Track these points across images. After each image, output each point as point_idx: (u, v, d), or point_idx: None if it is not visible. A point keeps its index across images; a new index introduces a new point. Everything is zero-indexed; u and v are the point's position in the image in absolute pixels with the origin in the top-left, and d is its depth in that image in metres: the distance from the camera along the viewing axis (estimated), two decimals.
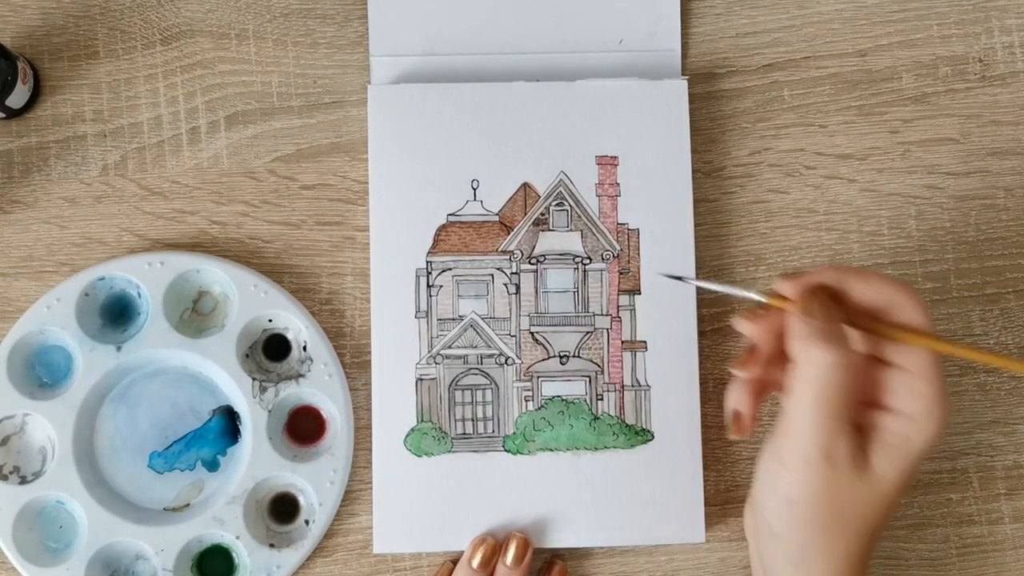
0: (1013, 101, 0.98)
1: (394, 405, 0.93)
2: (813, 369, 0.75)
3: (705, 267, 0.96)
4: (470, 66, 0.97)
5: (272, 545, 0.93)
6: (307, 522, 0.94)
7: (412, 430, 0.93)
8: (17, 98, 0.94)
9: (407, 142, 0.95)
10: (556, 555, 0.95)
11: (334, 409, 0.94)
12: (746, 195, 0.97)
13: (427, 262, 0.94)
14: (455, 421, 0.93)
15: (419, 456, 0.93)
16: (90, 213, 0.96)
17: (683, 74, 0.98)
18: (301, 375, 0.94)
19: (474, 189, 0.94)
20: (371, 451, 0.93)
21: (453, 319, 0.94)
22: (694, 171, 0.96)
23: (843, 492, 0.76)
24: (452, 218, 0.94)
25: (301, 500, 0.95)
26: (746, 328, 0.81)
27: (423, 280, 0.94)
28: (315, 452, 0.95)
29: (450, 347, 0.94)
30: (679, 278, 0.93)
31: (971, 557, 0.96)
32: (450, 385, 0.94)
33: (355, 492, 0.95)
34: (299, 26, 0.98)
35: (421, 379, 0.93)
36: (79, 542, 0.92)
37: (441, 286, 0.94)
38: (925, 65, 0.99)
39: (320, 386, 0.94)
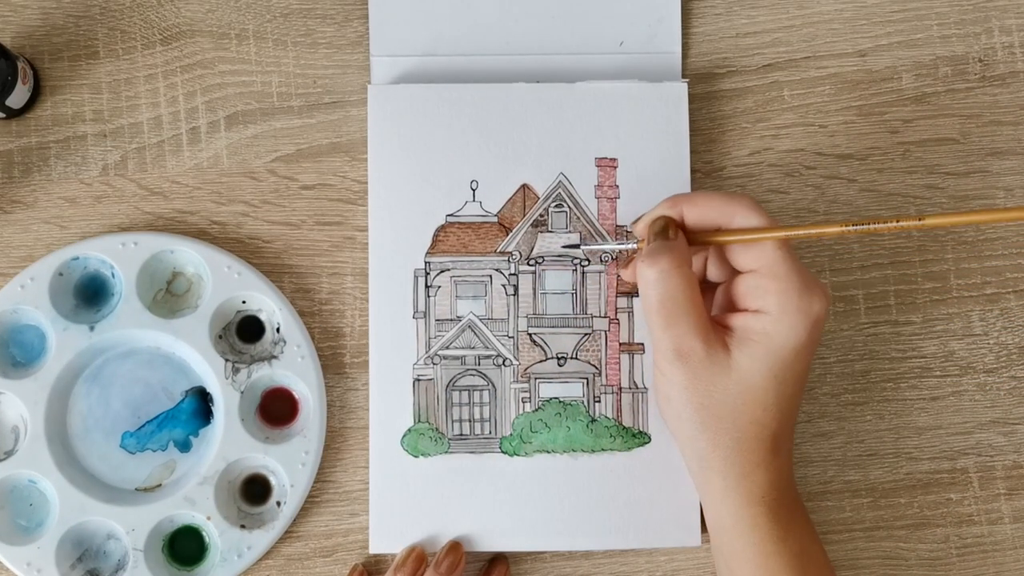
0: (1013, 101, 0.98)
1: (391, 405, 0.93)
2: (644, 284, 0.83)
3: None
4: (470, 67, 0.97)
5: (243, 526, 0.94)
6: (278, 503, 0.94)
7: (409, 430, 0.93)
8: (17, 98, 0.94)
9: (407, 142, 0.95)
10: (500, 555, 0.95)
11: (307, 391, 0.94)
12: None
13: (425, 262, 0.94)
14: (452, 422, 0.93)
15: (416, 457, 0.93)
16: (90, 213, 0.96)
17: (683, 74, 0.98)
18: (274, 356, 0.94)
19: (473, 190, 0.94)
20: (368, 451, 0.94)
21: (451, 320, 0.94)
22: (694, 171, 0.96)
23: (708, 386, 0.82)
24: (451, 219, 0.94)
25: (273, 481, 0.95)
26: (627, 275, 0.92)
27: (421, 280, 0.94)
28: (287, 434, 0.95)
29: (448, 348, 0.94)
30: (576, 246, 0.95)
31: (971, 557, 0.96)
32: (447, 386, 0.93)
33: (354, 492, 0.95)
34: (299, 26, 0.98)
35: (419, 380, 0.93)
36: (50, 521, 0.93)
37: (439, 287, 0.94)
38: (925, 65, 0.99)
39: (293, 368, 0.94)
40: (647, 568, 0.96)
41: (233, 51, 0.98)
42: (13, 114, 0.96)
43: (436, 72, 0.97)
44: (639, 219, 0.87)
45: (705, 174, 0.97)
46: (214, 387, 0.94)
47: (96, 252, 0.94)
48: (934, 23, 0.99)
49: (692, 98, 0.97)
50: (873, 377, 0.97)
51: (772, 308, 0.81)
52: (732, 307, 0.85)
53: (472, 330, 0.94)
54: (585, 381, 0.94)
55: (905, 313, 0.97)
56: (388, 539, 0.93)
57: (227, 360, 0.94)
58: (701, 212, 0.84)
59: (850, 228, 0.80)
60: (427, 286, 0.94)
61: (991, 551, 0.96)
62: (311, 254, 0.96)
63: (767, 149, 0.98)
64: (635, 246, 0.89)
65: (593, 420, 0.94)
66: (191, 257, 0.95)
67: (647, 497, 0.93)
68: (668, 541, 0.93)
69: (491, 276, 0.94)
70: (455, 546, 0.93)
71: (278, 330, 0.95)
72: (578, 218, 0.94)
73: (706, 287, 0.89)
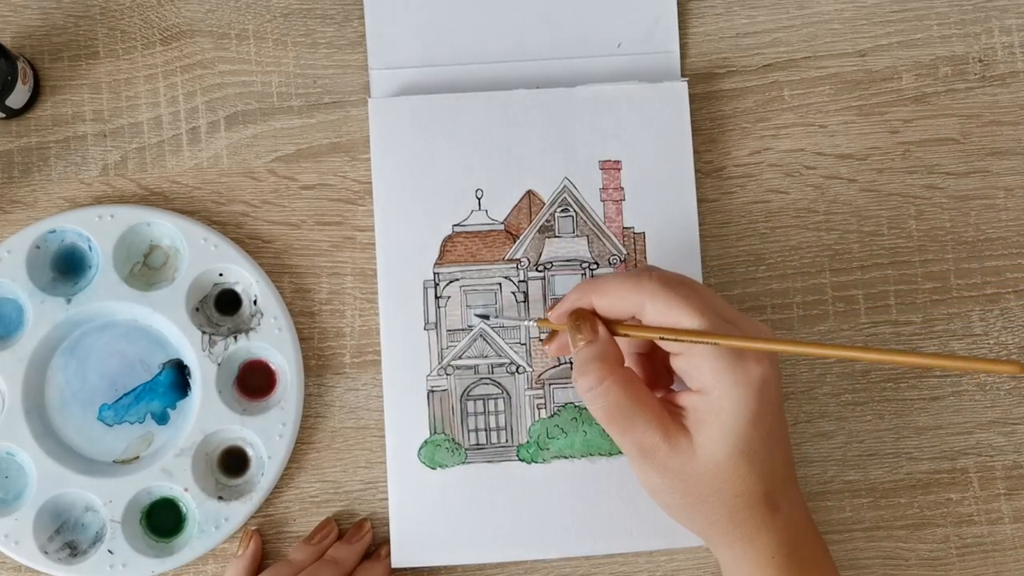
0: (1013, 101, 0.99)
1: (406, 418, 0.93)
2: (586, 400, 0.81)
3: (706, 267, 0.97)
4: (469, 76, 0.97)
5: (221, 497, 0.94)
6: (256, 475, 0.95)
7: (425, 442, 0.93)
8: (17, 98, 0.93)
9: (410, 154, 0.95)
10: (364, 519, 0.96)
11: (284, 363, 0.95)
12: (746, 195, 0.97)
13: (434, 273, 0.94)
14: (468, 432, 0.93)
15: (433, 468, 0.93)
16: None
17: (683, 75, 0.98)
18: (251, 329, 0.94)
19: (478, 199, 0.94)
20: (385, 464, 0.94)
21: (462, 329, 0.94)
22: (695, 171, 0.96)
23: (681, 474, 0.80)
24: (458, 228, 0.94)
25: (250, 453, 0.96)
26: (550, 350, 0.88)
27: (431, 291, 0.94)
28: (265, 406, 0.95)
29: (460, 358, 0.94)
30: (485, 317, 0.94)
31: (971, 557, 0.96)
32: (462, 396, 0.94)
33: (354, 493, 0.95)
34: (299, 26, 0.98)
35: (432, 391, 0.93)
36: (28, 493, 0.93)
37: (449, 297, 0.94)
38: (925, 65, 0.99)
39: (270, 340, 0.95)
40: (647, 568, 0.96)
41: (233, 51, 0.97)
42: (13, 114, 0.95)
43: (436, 83, 0.97)
44: (554, 307, 0.85)
45: (705, 174, 0.97)
46: (191, 359, 0.95)
47: (73, 225, 0.94)
48: (934, 23, 0.99)
49: (692, 98, 0.97)
50: (873, 377, 0.97)
51: (711, 387, 0.78)
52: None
53: (484, 339, 0.94)
54: None
55: (905, 313, 0.97)
56: (409, 552, 0.93)
57: (204, 332, 0.94)
58: (611, 303, 0.81)
59: (781, 348, 0.77)
60: (437, 297, 0.94)
61: (991, 551, 0.96)
62: (311, 254, 0.96)
63: (767, 149, 0.98)
64: (533, 323, 0.93)
65: None
66: (168, 230, 0.95)
67: None
68: (693, 540, 0.92)
69: (501, 284, 0.94)
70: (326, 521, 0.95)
71: (255, 302, 0.95)
72: (585, 222, 0.94)
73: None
